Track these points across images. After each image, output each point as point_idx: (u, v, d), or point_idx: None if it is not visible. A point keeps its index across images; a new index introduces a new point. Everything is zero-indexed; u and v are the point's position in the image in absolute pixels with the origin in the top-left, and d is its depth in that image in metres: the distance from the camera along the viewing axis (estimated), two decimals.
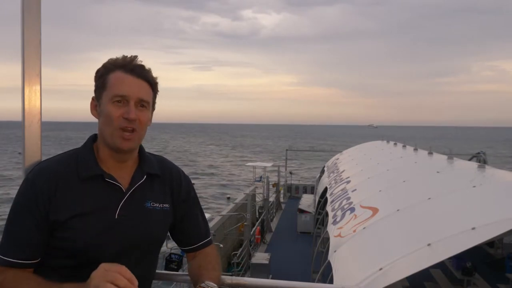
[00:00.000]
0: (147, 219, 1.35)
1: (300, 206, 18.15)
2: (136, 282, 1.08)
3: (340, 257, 5.93)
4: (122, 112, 1.28)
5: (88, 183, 1.29)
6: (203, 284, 1.30)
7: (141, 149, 1.43)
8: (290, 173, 27.80)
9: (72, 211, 1.25)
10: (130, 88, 1.29)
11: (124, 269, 1.08)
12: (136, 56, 1.34)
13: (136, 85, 1.30)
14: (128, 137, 1.29)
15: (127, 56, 1.34)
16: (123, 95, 1.28)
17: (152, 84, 1.35)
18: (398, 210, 6.39)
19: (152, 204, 1.37)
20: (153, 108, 1.40)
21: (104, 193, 1.30)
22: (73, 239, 1.24)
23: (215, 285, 1.31)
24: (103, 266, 1.08)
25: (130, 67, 1.31)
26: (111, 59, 1.34)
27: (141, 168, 1.39)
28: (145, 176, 1.38)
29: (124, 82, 1.29)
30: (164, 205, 1.40)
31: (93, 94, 1.36)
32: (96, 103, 1.35)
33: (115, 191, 1.32)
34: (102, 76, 1.32)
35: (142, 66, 1.33)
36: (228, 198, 21.80)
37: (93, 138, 1.39)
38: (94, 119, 1.37)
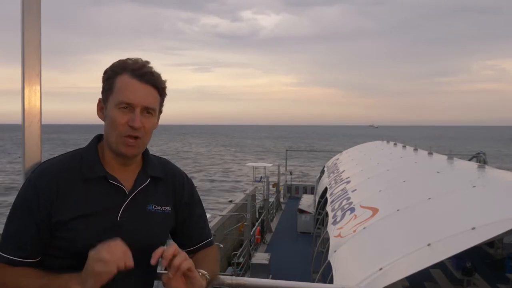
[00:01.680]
0: (148, 221, 1.35)
1: (300, 206, 18.14)
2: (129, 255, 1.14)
3: (340, 257, 5.93)
4: (127, 119, 1.26)
5: (91, 184, 1.29)
6: None
7: (145, 151, 1.41)
8: (290, 173, 27.79)
9: (74, 212, 1.25)
10: (136, 96, 1.26)
11: (118, 240, 1.14)
12: (147, 62, 1.30)
13: (143, 92, 1.28)
14: (131, 144, 1.28)
15: (137, 59, 1.30)
16: (129, 103, 1.26)
17: (160, 89, 1.32)
18: (398, 210, 6.38)
19: (154, 207, 1.37)
20: (160, 112, 1.38)
21: (107, 194, 1.30)
22: (76, 240, 1.23)
23: (206, 272, 1.31)
24: (99, 246, 1.13)
25: (138, 72, 1.27)
26: (120, 60, 1.31)
27: (145, 171, 1.39)
28: (148, 179, 1.38)
29: (131, 88, 1.26)
30: (166, 208, 1.40)
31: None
32: (103, 105, 1.33)
33: (118, 192, 1.32)
34: (110, 78, 1.29)
35: (151, 73, 1.29)
36: (231, 201, 21.90)
37: (98, 138, 1.38)
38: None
